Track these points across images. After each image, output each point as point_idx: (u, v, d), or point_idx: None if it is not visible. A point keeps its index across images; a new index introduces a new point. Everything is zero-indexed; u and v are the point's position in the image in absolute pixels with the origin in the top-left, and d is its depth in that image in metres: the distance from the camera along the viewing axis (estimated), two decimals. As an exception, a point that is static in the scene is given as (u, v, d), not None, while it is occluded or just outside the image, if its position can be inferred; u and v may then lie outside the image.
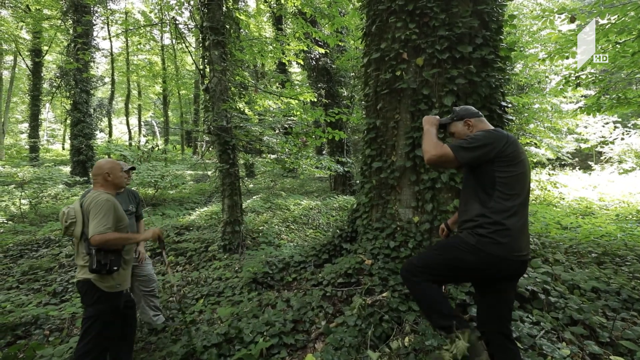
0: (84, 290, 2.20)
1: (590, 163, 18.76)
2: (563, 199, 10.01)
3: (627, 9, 3.76)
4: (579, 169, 16.90)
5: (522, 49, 10.42)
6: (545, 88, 11.22)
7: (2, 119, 18.37)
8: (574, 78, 5.02)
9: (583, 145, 14.63)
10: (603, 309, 2.58)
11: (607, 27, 4.12)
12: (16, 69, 20.85)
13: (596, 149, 17.20)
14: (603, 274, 3.07)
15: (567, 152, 14.23)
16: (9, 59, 21.39)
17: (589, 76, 5.05)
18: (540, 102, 9.93)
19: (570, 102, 13.07)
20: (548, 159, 12.16)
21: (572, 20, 4.13)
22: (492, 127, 1.94)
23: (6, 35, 16.27)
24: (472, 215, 1.81)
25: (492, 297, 1.85)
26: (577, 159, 19.31)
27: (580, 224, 5.83)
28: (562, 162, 15.79)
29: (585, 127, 16.08)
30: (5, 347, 2.95)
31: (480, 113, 2.03)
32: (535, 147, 10.91)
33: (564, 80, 5.19)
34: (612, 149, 16.05)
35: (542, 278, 2.78)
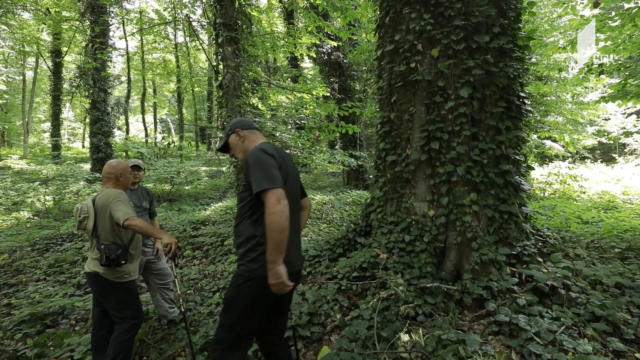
0: (93, 281, 2.36)
1: (613, 155, 18.06)
2: (584, 192, 9.68)
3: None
4: (601, 162, 16.30)
5: (541, 37, 10.06)
6: (566, 78, 10.83)
7: (27, 119, 19.08)
8: (597, 65, 4.83)
9: (604, 140, 14.07)
10: (627, 306, 2.49)
11: (633, 11, 3.93)
12: (38, 70, 21.57)
13: (619, 141, 16.54)
14: (627, 270, 2.97)
15: (588, 145, 13.74)
16: (31, 60, 22.15)
17: (613, 63, 4.84)
18: (561, 91, 9.59)
19: (592, 91, 12.58)
20: (569, 152, 11.79)
21: (595, 5, 3.96)
22: (264, 140, 1.88)
23: (28, 38, 16.83)
24: (244, 237, 1.67)
25: (275, 314, 1.86)
26: (599, 152, 18.63)
27: (602, 218, 5.64)
28: (583, 156, 15.26)
29: (607, 119, 15.46)
30: (35, 335, 3.11)
31: (255, 125, 1.96)
32: (553, 142, 10.59)
33: (586, 68, 4.99)
34: (636, 141, 15.39)
35: (562, 273, 2.71)
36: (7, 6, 14.44)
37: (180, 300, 2.52)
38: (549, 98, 9.92)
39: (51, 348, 2.82)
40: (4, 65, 22.36)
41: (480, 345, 2.10)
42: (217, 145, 2.05)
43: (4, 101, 23.17)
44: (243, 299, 1.66)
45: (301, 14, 11.22)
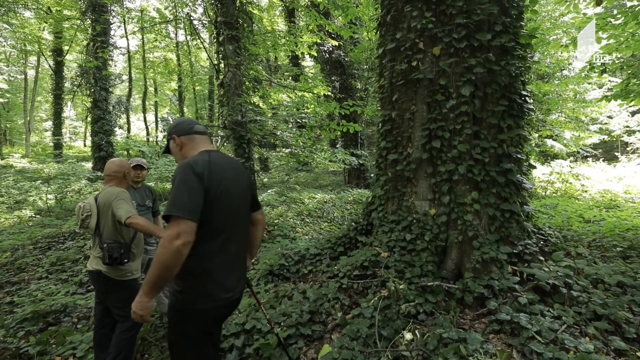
0: (96, 279, 2.37)
1: (615, 154, 18.00)
2: (586, 191, 9.66)
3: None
4: (603, 161, 16.24)
5: (543, 35, 10.02)
6: (567, 76, 10.79)
7: (28, 118, 19.13)
8: (600, 64, 4.80)
9: (606, 138, 14.02)
10: (629, 304, 2.49)
11: (637, 9, 3.91)
12: (39, 68, 21.61)
13: (622, 139, 16.48)
14: (629, 269, 2.96)
15: (591, 144, 13.69)
16: (32, 59, 22.18)
17: (616, 61, 4.82)
18: (563, 90, 9.56)
19: (593, 90, 12.53)
20: (570, 152, 11.76)
21: (598, 2, 3.94)
22: (205, 148, 1.64)
23: (30, 37, 16.85)
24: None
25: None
26: (601, 150, 18.56)
27: (604, 217, 5.63)
28: (585, 155, 15.22)
29: (610, 116, 15.40)
30: (38, 332, 3.12)
31: (197, 129, 1.68)
32: (553, 140, 10.56)
33: (588, 66, 4.97)
34: (639, 139, 15.33)
35: (564, 271, 2.70)
36: (8, 5, 14.46)
37: None
38: (550, 97, 9.89)
39: (53, 346, 2.83)
40: (5, 64, 22.40)
41: (481, 343, 2.10)
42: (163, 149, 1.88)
43: (6, 100, 23.22)
44: (181, 337, 1.56)
45: (302, 13, 11.20)
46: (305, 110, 7.64)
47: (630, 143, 16.57)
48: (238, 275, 1.63)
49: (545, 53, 10.42)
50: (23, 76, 22.79)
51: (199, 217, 1.42)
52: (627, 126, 15.23)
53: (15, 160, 15.64)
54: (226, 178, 1.56)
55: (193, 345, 1.55)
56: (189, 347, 1.55)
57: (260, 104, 6.81)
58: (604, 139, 14.53)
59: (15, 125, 25.30)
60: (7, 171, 13.60)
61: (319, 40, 7.84)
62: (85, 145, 26.98)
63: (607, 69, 4.77)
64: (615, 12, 4.10)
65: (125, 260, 2.32)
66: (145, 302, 1.44)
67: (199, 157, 1.53)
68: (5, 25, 16.34)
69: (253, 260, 1.94)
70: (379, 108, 3.78)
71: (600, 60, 4.75)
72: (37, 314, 3.33)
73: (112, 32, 14.59)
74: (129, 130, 22.70)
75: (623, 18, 4.09)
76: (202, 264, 1.49)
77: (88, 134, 24.58)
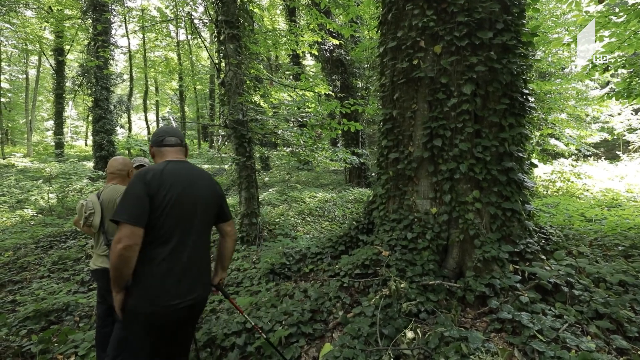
0: (101, 277, 2.36)
1: (617, 153, 17.94)
2: (587, 190, 9.63)
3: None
4: (605, 159, 16.20)
5: (544, 33, 9.98)
6: (569, 74, 10.75)
7: (30, 117, 19.17)
8: (602, 62, 4.78)
9: (608, 136, 13.97)
10: (631, 303, 2.48)
11: (639, 7, 3.89)
12: (40, 68, 21.64)
13: (623, 137, 16.42)
14: (631, 268, 2.95)
15: (592, 143, 13.66)
16: (33, 59, 22.22)
17: (618, 59, 4.79)
18: (565, 89, 9.53)
19: (595, 88, 12.48)
20: (572, 151, 11.73)
21: (600, 0, 3.92)
22: (169, 159, 1.73)
23: (31, 36, 16.88)
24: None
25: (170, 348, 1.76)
26: (602, 149, 18.50)
27: (605, 216, 5.61)
28: (586, 153, 15.19)
29: (611, 115, 15.35)
30: (40, 331, 3.13)
31: (166, 142, 1.77)
32: (555, 139, 10.53)
33: (590, 64, 4.95)
34: (641, 138, 15.29)
35: (566, 270, 2.70)
36: (9, 5, 14.48)
37: None
38: (551, 95, 9.85)
39: (55, 344, 2.84)
40: (7, 63, 22.44)
41: (482, 342, 2.10)
42: None
43: (8, 100, 23.28)
44: (129, 335, 1.65)
45: (303, 11, 11.19)
46: (307, 109, 7.63)
47: (632, 142, 16.52)
48: (191, 282, 1.63)
49: (547, 51, 10.38)
50: (24, 76, 22.83)
51: (143, 223, 1.50)
52: (630, 125, 15.19)
53: (17, 160, 15.69)
54: (177, 187, 1.62)
55: (139, 347, 1.60)
56: (136, 348, 1.61)
57: (261, 103, 6.80)
58: (605, 137, 14.48)
59: (17, 125, 25.36)
60: (8, 170, 13.64)
61: (319, 39, 7.83)
62: (86, 145, 27.03)
63: (609, 67, 4.75)
64: (617, 10, 4.08)
65: None
66: (115, 298, 1.58)
67: (154, 166, 1.65)
68: (6, 25, 16.37)
69: (232, 268, 2.00)
70: (380, 107, 3.78)
71: (600, 60, 4.73)
72: (39, 312, 3.34)
73: (113, 32, 14.59)
74: (130, 129, 22.74)
75: (625, 16, 4.07)
76: (149, 268, 1.55)
77: (89, 134, 24.61)
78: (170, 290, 1.56)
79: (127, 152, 16.80)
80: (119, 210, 1.52)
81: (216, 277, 1.96)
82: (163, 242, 1.57)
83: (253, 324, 2.20)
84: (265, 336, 2.27)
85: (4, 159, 16.43)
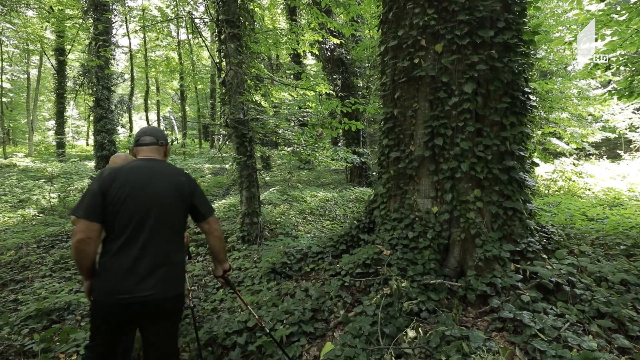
0: None
1: (619, 152, 17.88)
2: (589, 189, 9.61)
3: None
4: (607, 158, 16.15)
5: (546, 32, 9.95)
6: (571, 73, 10.72)
7: (31, 117, 19.21)
8: (603, 61, 4.77)
9: (610, 135, 13.90)
10: (633, 302, 2.48)
11: (641, 5, 3.87)
12: (42, 68, 21.68)
13: (625, 136, 16.37)
14: (633, 267, 2.94)
15: (594, 142, 13.60)
16: (35, 59, 22.25)
17: (620, 58, 4.77)
18: (567, 87, 9.49)
19: (596, 88, 12.45)
20: (574, 149, 11.69)
21: (602, -1, 3.90)
22: (139, 157, 1.85)
23: (32, 36, 16.90)
24: None
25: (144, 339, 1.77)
26: (604, 148, 18.45)
27: (607, 215, 5.59)
28: (588, 152, 15.14)
29: (613, 114, 15.29)
30: (42, 330, 3.14)
31: (141, 141, 1.87)
32: (557, 139, 10.50)
33: (592, 63, 4.93)
34: (643, 137, 15.22)
35: (567, 269, 2.69)
36: (11, 5, 14.50)
37: (190, 296, 2.54)
38: (553, 94, 9.82)
39: (57, 343, 2.85)
40: (8, 63, 22.48)
41: (484, 341, 2.10)
42: None
43: (9, 99, 23.34)
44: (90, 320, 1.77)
45: (304, 11, 11.18)
46: (308, 108, 7.63)
47: (634, 141, 16.47)
48: (141, 279, 1.63)
49: (549, 50, 10.34)
50: (26, 75, 22.88)
51: (96, 218, 1.62)
52: (631, 123, 15.13)
53: (18, 159, 15.72)
54: (130, 184, 1.68)
55: (94, 332, 1.70)
56: (92, 332, 1.71)
57: (262, 102, 6.80)
58: (607, 136, 14.42)
59: (19, 125, 25.41)
60: (10, 170, 13.68)
61: (320, 38, 7.82)
62: (87, 144, 27.06)
63: (611, 66, 4.73)
64: (618, 8, 4.06)
65: None
66: (85, 284, 1.76)
67: (115, 165, 1.79)
68: (7, 25, 16.40)
69: (230, 265, 2.02)
70: (381, 106, 3.77)
71: (600, 60, 4.71)
72: (41, 311, 3.35)
73: (114, 31, 14.59)
74: (131, 129, 22.77)
75: (627, 14, 4.06)
76: (104, 261, 1.66)
77: (90, 133, 24.63)
78: (117, 284, 1.61)
79: (128, 151, 16.80)
80: (76, 205, 1.71)
81: (216, 270, 2.09)
82: (115, 237, 1.65)
83: (257, 317, 2.22)
84: (267, 330, 2.27)
85: (5, 158, 16.47)
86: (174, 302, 1.73)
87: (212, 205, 2.27)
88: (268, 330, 2.27)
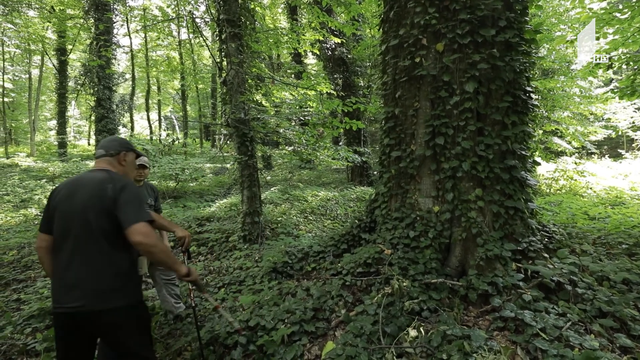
0: None
1: (620, 151, 17.83)
2: (590, 188, 9.58)
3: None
4: (609, 157, 16.10)
5: (547, 30, 9.92)
6: (573, 71, 10.67)
7: (33, 117, 19.25)
8: (607, 59, 4.75)
9: (612, 133, 13.85)
10: (635, 302, 2.47)
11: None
12: (43, 68, 21.71)
13: (627, 134, 16.31)
14: (635, 266, 2.94)
15: (596, 140, 13.56)
16: (36, 59, 22.28)
17: (622, 56, 4.76)
18: (569, 86, 9.45)
19: (598, 87, 12.39)
20: (575, 148, 11.65)
21: (604, -3, 3.88)
22: (91, 169, 1.87)
23: (33, 36, 16.93)
24: None
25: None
26: (606, 147, 18.39)
27: (609, 214, 5.58)
28: (590, 151, 15.10)
29: (615, 112, 15.23)
30: (44, 329, 3.15)
31: (96, 154, 1.92)
32: (559, 138, 10.47)
33: (593, 62, 4.91)
34: (645, 135, 15.17)
35: (569, 269, 2.69)
36: (12, 5, 14.53)
37: (192, 295, 2.55)
38: (554, 92, 9.79)
39: (60, 342, 2.86)
40: (10, 63, 22.54)
41: (485, 340, 2.10)
42: None
43: (11, 99, 23.39)
44: None
45: (304, 10, 11.17)
46: (309, 108, 7.63)
47: (636, 139, 16.41)
48: (67, 290, 1.60)
49: (551, 48, 10.30)
50: (27, 75, 22.91)
51: (43, 229, 1.75)
52: (633, 122, 15.08)
53: (20, 159, 15.77)
54: (63, 195, 1.74)
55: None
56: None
57: (263, 102, 6.80)
58: (609, 134, 14.37)
59: (20, 125, 25.48)
60: (12, 170, 13.72)
61: (321, 38, 7.81)
62: (89, 144, 27.11)
63: (613, 65, 4.71)
64: (620, 6, 4.05)
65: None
66: None
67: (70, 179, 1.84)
68: (9, 25, 16.43)
69: (191, 269, 1.88)
70: (382, 105, 3.77)
71: (601, 59, 4.69)
72: (43, 311, 3.36)
73: (115, 31, 14.62)
74: (132, 128, 22.80)
75: (630, 12, 4.04)
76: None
77: (92, 133, 24.69)
78: (54, 293, 1.68)
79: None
80: None
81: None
82: (53, 249, 1.73)
83: (216, 303, 2.27)
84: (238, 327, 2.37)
85: (7, 158, 16.53)
86: (110, 315, 1.61)
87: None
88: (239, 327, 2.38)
